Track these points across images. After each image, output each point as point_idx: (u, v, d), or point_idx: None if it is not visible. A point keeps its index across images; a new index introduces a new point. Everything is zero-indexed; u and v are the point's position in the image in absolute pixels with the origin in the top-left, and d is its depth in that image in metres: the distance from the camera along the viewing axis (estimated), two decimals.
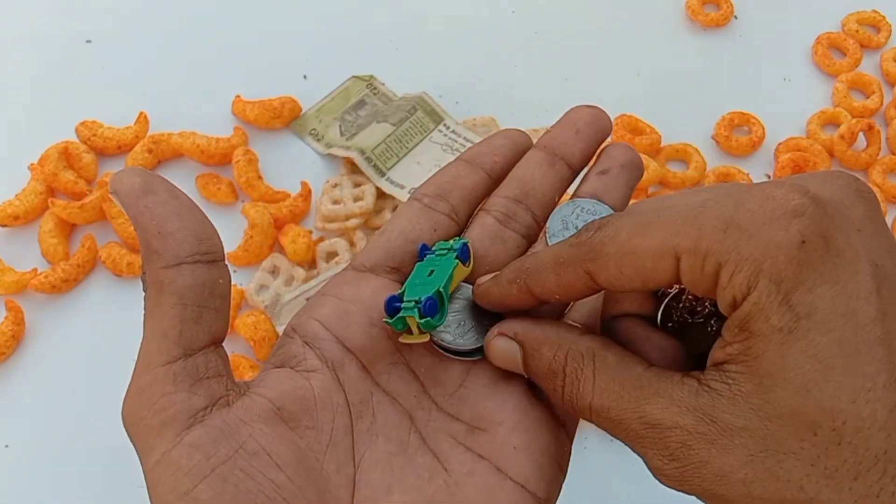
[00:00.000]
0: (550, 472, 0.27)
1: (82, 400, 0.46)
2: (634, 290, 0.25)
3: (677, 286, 0.27)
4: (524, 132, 0.33)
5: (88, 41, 0.57)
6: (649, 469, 0.25)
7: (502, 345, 0.27)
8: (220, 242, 0.26)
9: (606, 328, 0.28)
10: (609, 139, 0.36)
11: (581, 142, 0.32)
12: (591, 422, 0.25)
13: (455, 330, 0.29)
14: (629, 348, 0.26)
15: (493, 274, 0.29)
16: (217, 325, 0.26)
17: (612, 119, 0.33)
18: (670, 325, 0.27)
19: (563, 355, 0.26)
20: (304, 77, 0.56)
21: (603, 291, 0.27)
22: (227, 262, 0.27)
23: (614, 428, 0.25)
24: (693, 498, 0.24)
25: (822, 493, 0.21)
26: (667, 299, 0.27)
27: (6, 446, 0.45)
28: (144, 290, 0.26)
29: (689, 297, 0.27)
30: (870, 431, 0.21)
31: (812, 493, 0.21)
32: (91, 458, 0.44)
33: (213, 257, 0.26)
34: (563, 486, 0.28)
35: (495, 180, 0.32)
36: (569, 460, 0.29)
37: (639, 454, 0.25)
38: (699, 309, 0.27)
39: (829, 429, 0.21)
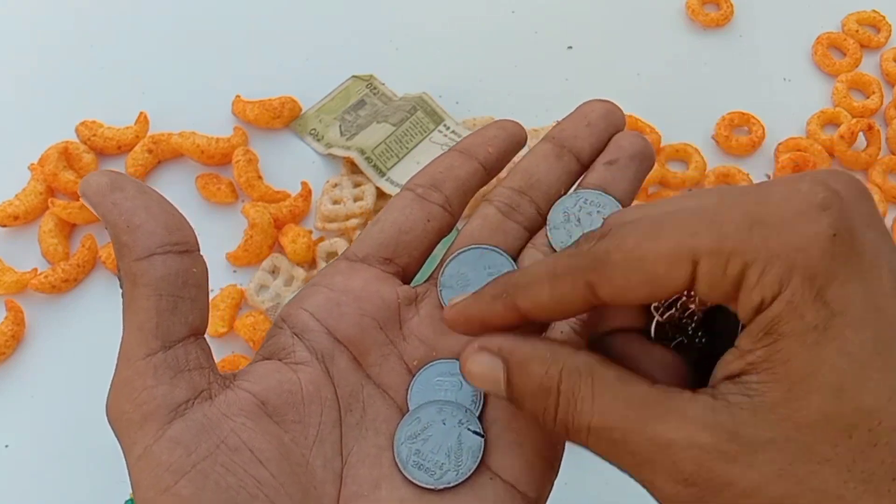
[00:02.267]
0: (541, 471, 0.27)
1: (82, 400, 0.45)
2: (638, 301, 0.23)
3: (663, 300, 0.25)
4: (518, 123, 0.32)
5: None
6: (656, 498, 0.23)
7: (483, 361, 0.25)
8: (193, 234, 0.26)
9: (596, 345, 0.26)
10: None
11: (592, 135, 0.31)
12: (586, 446, 0.24)
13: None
14: (627, 366, 0.24)
15: (467, 294, 0.27)
16: (194, 315, 0.26)
17: (625, 114, 0.32)
18: (664, 340, 0.25)
19: (556, 372, 0.24)
20: None
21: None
22: (201, 253, 0.26)
23: (616, 451, 0.23)
24: None
25: (862, 498, 0.20)
26: (661, 309, 0.25)
27: (6, 446, 0.45)
28: (121, 287, 0.26)
29: (677, 309, 0.25)
30: None
31: (851, 500, 0.20)
32: (91, 458, 0.44)
33: (184, 247, 0.26)
34: (556, 482, 0.28)
35: (489, 171, 0.31)
36: (561, 458, 0.28)
37: (642, 482, 0.23)
38: (684, 322, 0.26)
39: (865, 430, 0.20)
